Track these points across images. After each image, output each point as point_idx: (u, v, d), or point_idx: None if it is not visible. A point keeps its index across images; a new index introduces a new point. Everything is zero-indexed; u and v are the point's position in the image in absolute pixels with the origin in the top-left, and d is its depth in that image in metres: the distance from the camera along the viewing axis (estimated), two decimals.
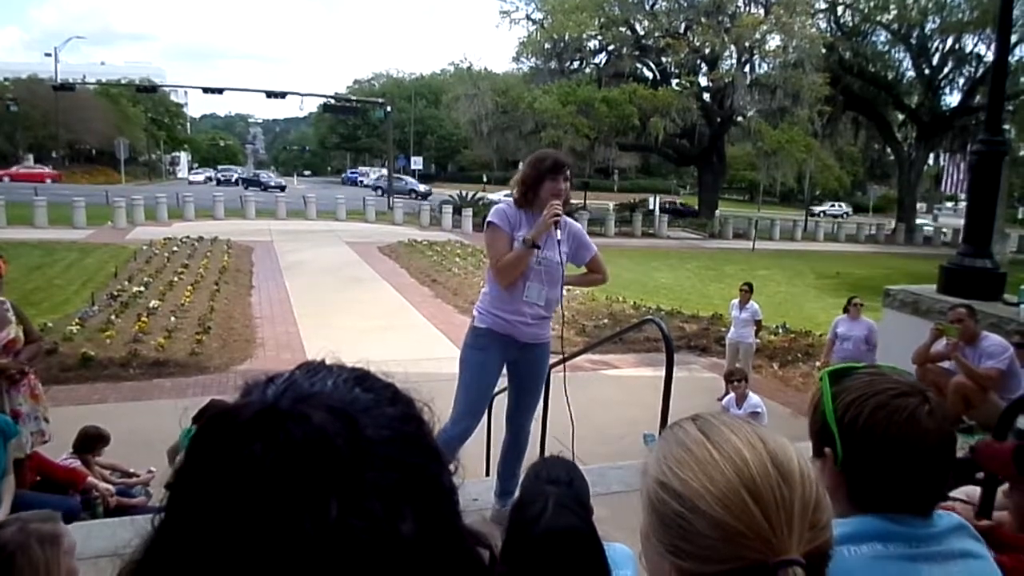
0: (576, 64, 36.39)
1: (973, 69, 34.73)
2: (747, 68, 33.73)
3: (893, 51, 37.32)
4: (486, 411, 3.76)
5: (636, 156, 41.99)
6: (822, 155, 33.09)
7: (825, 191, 47.34)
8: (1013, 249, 29.64)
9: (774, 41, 32.93)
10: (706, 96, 34.43)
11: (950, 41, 34.94)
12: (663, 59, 34.57)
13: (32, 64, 58.98)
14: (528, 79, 35.67)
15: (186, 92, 72.79)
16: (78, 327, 10.57)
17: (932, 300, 6.37)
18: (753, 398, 6.94)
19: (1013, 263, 17.92)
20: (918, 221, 39.68)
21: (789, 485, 0.75)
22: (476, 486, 3.94)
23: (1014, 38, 24.71)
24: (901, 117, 38.99)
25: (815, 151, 32.03)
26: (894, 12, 34.40)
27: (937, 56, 35.96)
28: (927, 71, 36.09)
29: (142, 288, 13.69)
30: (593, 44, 36.09)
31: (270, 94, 37.12)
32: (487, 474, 4.65)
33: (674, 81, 34.25)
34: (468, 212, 28.60)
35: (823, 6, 35.51)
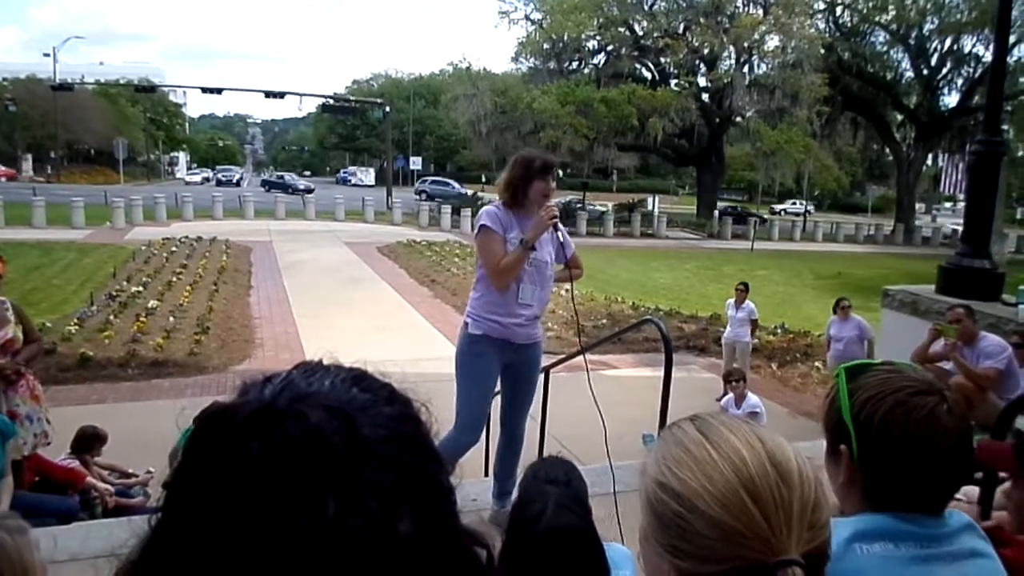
0: (575, 64, 36.40)
1: (971, 69, 34.80)
2: (746, 68, 33.76)
3: (892, 51, 37.39)
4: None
5: (635, 156, 42.00)
6: (821, 155, 33.13)
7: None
8: (1012, 249, 29.67)
9: (773, 41, 32.99)
10: (705, 96, 34.45)
11: (948, 42, 35.02)
12: (662, 59, 34.59)
13: (31, 64, 58.90)
14: (527, 79, 35.68)
15: (185, 92, 72.81)
16: (76, 327, 10.56)
17: (931, 300, 6.38)
18: (752, 398, 6.94)
19: (1011, 263, 17.93)
20: (917, 222, 39.75)
21: (788, 485, 0.75)
22: (474, 486, 3.93)
23: (1012, 38, 24.75)
24: (900, 117, 39.02)
25: (814, 151, 32.07)
26: (893, 12, 34.44)
27: (936, 56, 36.02)
28: (926, 71, 36.14)
29: (141, 288, 13.69)
30: (592, 44, 36.11)
31: (269, 94, 37.15)
32: (485, 474, 4.64)
33: (673, 81, 34.27)
34: (467, 212, 28.60)
35: (822, 6, 35.58)
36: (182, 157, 77.40)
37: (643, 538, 0.85)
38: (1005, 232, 28.56)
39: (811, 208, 51.17)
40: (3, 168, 47.11)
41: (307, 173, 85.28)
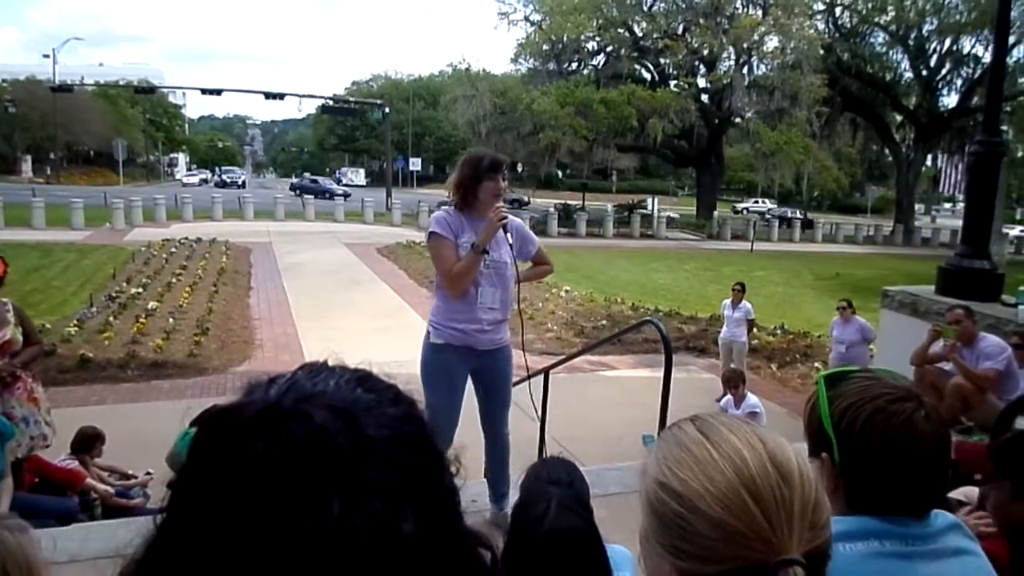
0: (574, 65, 36.39)
1: (971, 70, 34.81)
2: (745, 69, 33.77)
3: (891, 52, 37.41)
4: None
5: (634, 157, 42.00)
6: (820, 156, 33.12)
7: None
8: (1011, 250, 29.68)
9: (772, 42, 32.99)
10: (704, 97, 34.46)
11: (948, 42, 35.03)
12: (661, 60, 34.60)
13: (30, 65, 58.87)
14: (526, 80, 35.66)
15: (184, 93, 72.86)
16: (76, 328, 10.55)
17: (930, 301, 6.38)
18: (751, 398, 6.94)
19: (1011, 264, 17.95)
20: (917, 223, 39.77)
21: (789, 485, 0.75)
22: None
23: (1012, 39, 24.76)
24: (899, 118, 39.02)
25: (813, 152, 32.07)
26: (892, 13, 34.45)
27: (935, 57, 36.03)
28: (925, 72, 36.16)
29: (140, 289, 13.68)
30: (591, 45, 36.11)
31: (268, 95, 37.16)
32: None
33: (672, 82, 34.28)
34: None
35: (821, 7, 35.59)
36: (182, 158, 77.38)
37: (644, 539, 0.85)
38: (1004, 232, 28.59)
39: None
40: None
41: (306, 174, 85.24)
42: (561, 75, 34.67)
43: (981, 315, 5.66)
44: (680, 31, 33.80)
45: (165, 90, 61.26)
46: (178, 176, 68.65)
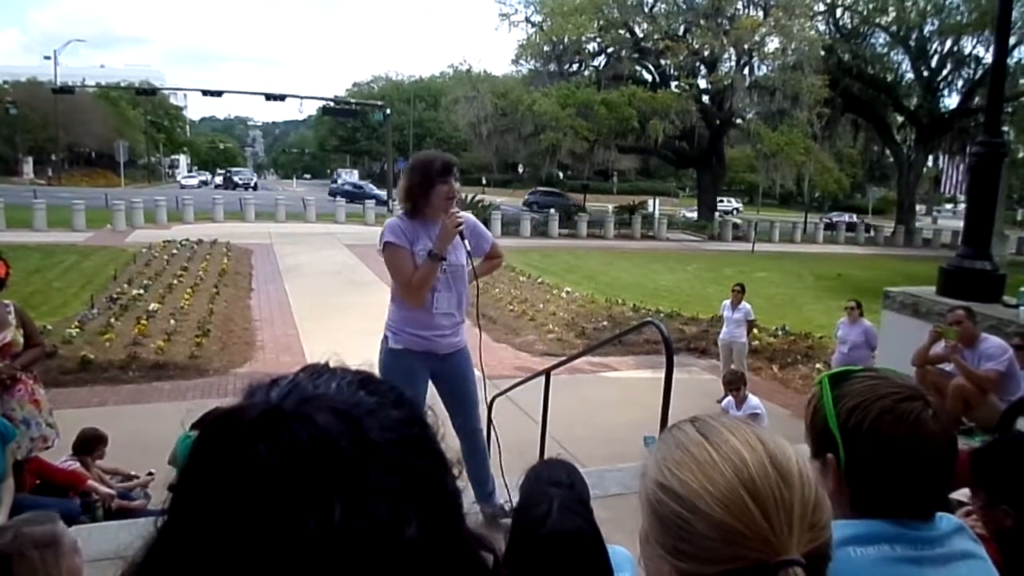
0: (575, 67, 36.37)
1: (972, 71, 34.77)
2: (746, 70, 33.74)
3: (892, 53, 37.38)
4: (485, 412, 3.73)
5: (635, 158, 41.96)
6: (821, 157, 33.09)
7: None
8: (1012, 251, 29.64)
9: (773, 43, 32.97)
10: (705, 98, 34.44)
11: (949, 43, 34.99)
12: (662, 61, 34.57)
13: (31, 67, 58.94)
14: (527, 81, 35.64)
15: (185, 95, 72.92)
16: (77, 330, 10.55)
17: (931, 302, 6.37)
18: (752, 400, 6.94)
19: (1012, 265, 17.92)
20: (918, 223, 39.74)
21: (788, 485, 0.76)
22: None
23: (1013, 40, 24.76)
24: (900, 119, 38.99)
25: (814, 153, 32.03)
26: (893, 14, 34.42)
27: (936, 58, 36.00)
28: (926, 73, 36.13)
29: (141, 291, 13.68)
30: (592, 47, 36.09)
31: (269, 97, 37.15)
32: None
33: (673, 83, 34.26)
34: (466, 214, 28.50)
35: (822, 8, 35.56)
36: (183, 160, 77.37)
37: (644, 540, 0.85)
38: (1006, 233, 28.56)
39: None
40: None
41: (307, 176, 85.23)
42: (562, 76, 34.66)
43: (982, 316, 5.65)
44: (681, 32, 33.79)
45: (166, 92, 61.31)
46: (179, 178, 68.34)
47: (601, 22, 34.32)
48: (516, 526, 1.48)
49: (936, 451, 1.11)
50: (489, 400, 4.72)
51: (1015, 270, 11.98)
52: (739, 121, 34.74)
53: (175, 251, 19.33)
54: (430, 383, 3.50)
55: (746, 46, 32.54)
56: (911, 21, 34.12)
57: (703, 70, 34.33)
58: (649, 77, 35.83)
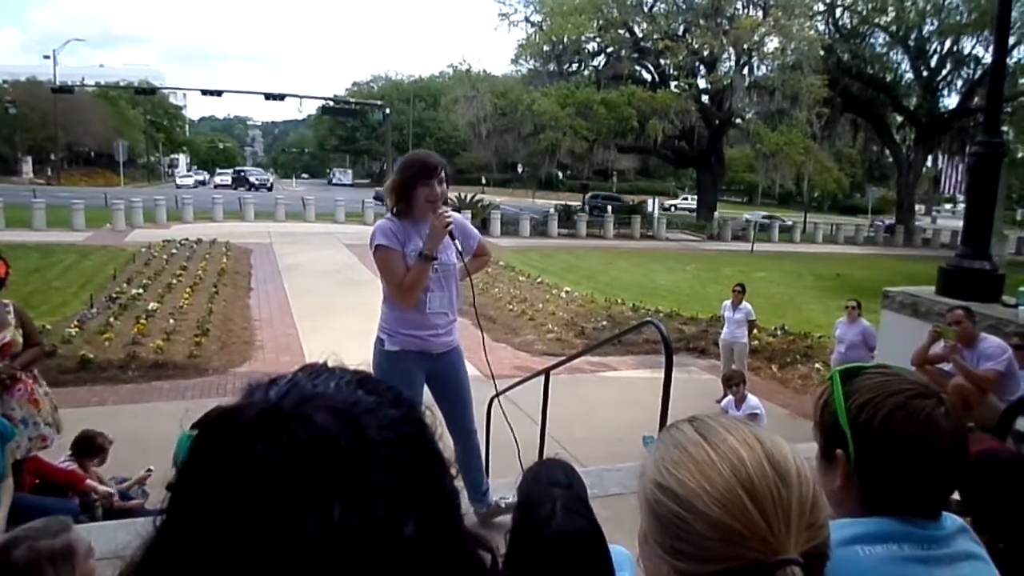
0: (575, 66, 36.37)
1: (971, 71, 34.78)
2: (745, 70, 33.76)
3: (891, 53, 37.37)
4: (485, 413, 3.73)
5: (635, 158, 41.96)
6: (820, 157, 33.10)
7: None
8: (1012, 251, 29.65)
9: (772, 43, 32.96)
10: (705, 98, 34.44)
11: (948, 43, 34.99)
12: (662, 61, 34.58)
13: (31, 66, 58.81)
14: (527, 81, 35.64)
15: (185, 94, 72.90)
16: (77, 329, 10.56)
17: (931, 302, 6.37)
18: (752, 399, 6.94)
19: (1011, 264, 17.93)
20: (917, 223, 39.74)
21: (786, 485, 0.76)
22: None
23: (1012, 40, 24.76)
24: (900, 119, 38.98)
25: (813, 153, 32.05)
26: (892, 14, 34.43)
27: (935, 58, 36.01)
28: (925, 73, 36.13)
29: (141, 290, 13.68)
30: (592, 46, 36.08)
31: (269, 96, 37.08)
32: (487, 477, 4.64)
33: (673, 83, 34.26)
34: (466, 214, 28.59)
35: (821, 8, 35.56)
36: (182, 159, 77.31)
37: (642, 540, 0.85)
38: (1005, 233, 28.56)
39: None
40: None
41: (305, 176, 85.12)
42: (562, 76, 34.66)
43: (981, 316, 5.65)
44: (680, 32, 33.79)
45: (165, 91, 61.21)
46: (176, 178, 68.09)
47: (601, 22, 34.31)
48: (518, 528, 1.46)
49: (947, 449, 1.10)
50: (488, 400, 4.72)
51: (1014, 270, 12.00)
52: (738, 121, 34.76)
53: (174, 251, 19.33)
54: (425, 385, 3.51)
55: (745, 46, 32.55)
56: (910, 21, 34.13)
57: (702, 70, 34.33)
58: (648, 77, 35.83)
